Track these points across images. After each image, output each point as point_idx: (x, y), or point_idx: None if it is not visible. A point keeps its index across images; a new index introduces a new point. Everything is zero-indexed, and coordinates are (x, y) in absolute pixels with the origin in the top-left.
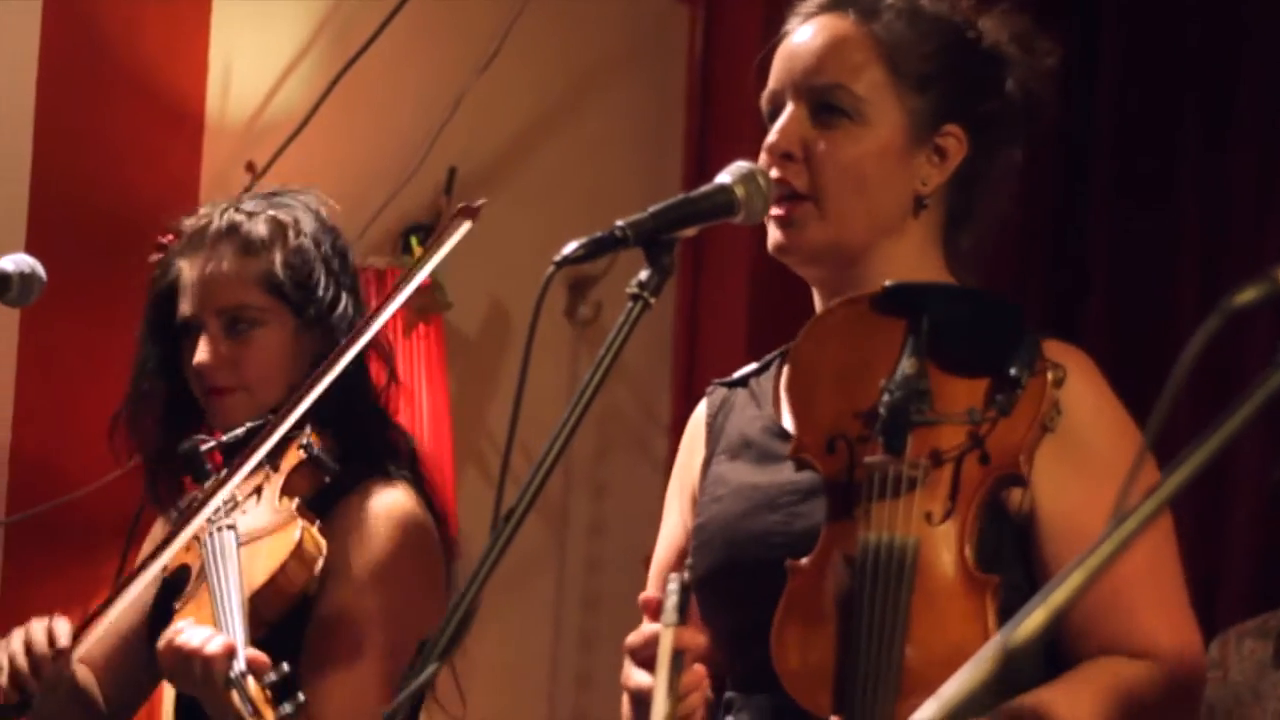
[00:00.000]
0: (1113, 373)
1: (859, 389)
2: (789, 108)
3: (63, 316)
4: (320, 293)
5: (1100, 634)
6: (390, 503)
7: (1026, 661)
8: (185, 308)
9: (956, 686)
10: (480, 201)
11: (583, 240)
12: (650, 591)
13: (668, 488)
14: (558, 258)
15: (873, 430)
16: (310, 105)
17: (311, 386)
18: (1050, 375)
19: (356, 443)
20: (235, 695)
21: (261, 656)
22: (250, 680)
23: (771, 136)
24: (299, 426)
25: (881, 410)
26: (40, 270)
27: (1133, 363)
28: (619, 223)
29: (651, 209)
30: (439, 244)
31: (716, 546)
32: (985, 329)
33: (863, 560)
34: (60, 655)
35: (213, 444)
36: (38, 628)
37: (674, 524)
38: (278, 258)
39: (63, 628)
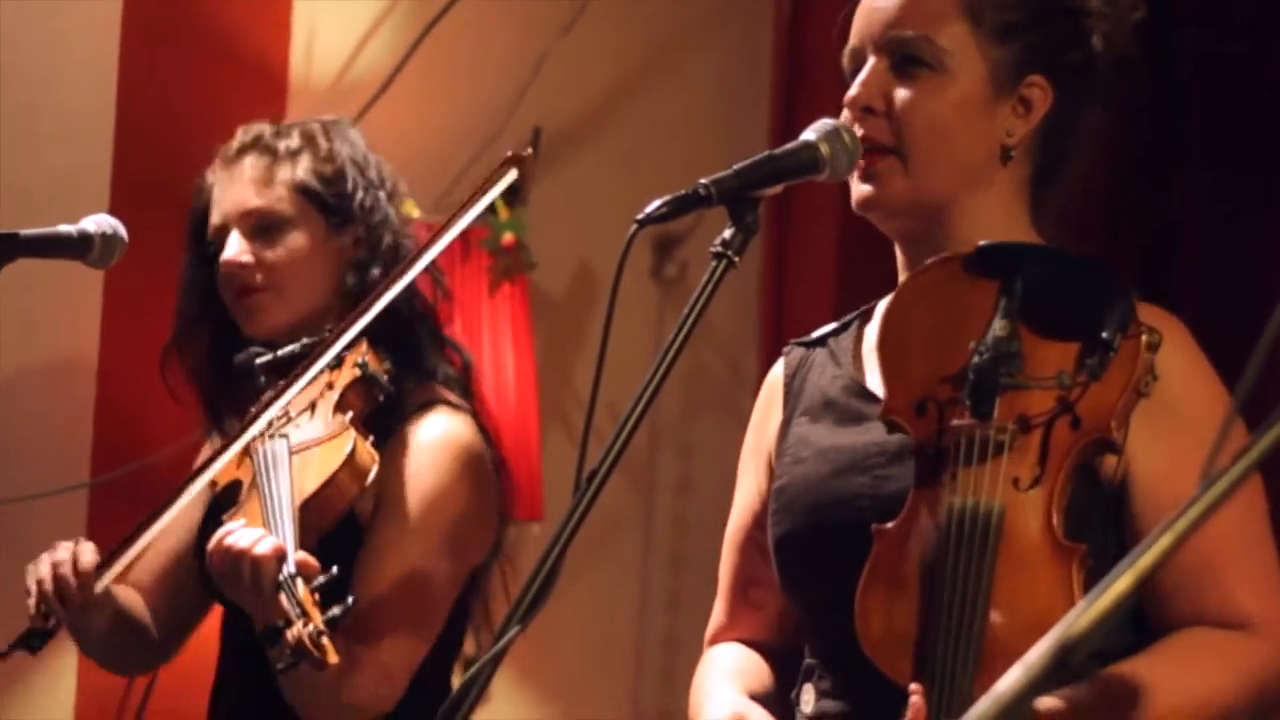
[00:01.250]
0: (1201, 336)
1: (950, 351)
2: (870, 61)
3: (146, 278)
4: (353, 196)
5: (1190, 603)
6: (447, 431)
7: (1114, 627)
8: (214, 218)
9: (1041, 650)
10: (528, 150)
11: (665, 199)
12: (725, 558)
13: (742, 450)
14: (640, 216)
15: (962, 393)
16: (394, 66)
17: (368, 306)
18: (1144, 339)
19: (412, 363)
20: (284, 597)
21: (311, 560)
22: (299, 582)
23: (853, 90)
24: (353, 344)
25: (970, 373)
26: (122, 231)
27: (1221, 326)
28: (702, 181)
29: (735, 167)
30: (488, 186)
31: (799, 509)
32: (1079, 291)
33: (948, 525)
34: (85, 578)
35: (269, 356)
36: (64, 551)
37: (749, 489)
38: (305, 163)
39: (87, 550)
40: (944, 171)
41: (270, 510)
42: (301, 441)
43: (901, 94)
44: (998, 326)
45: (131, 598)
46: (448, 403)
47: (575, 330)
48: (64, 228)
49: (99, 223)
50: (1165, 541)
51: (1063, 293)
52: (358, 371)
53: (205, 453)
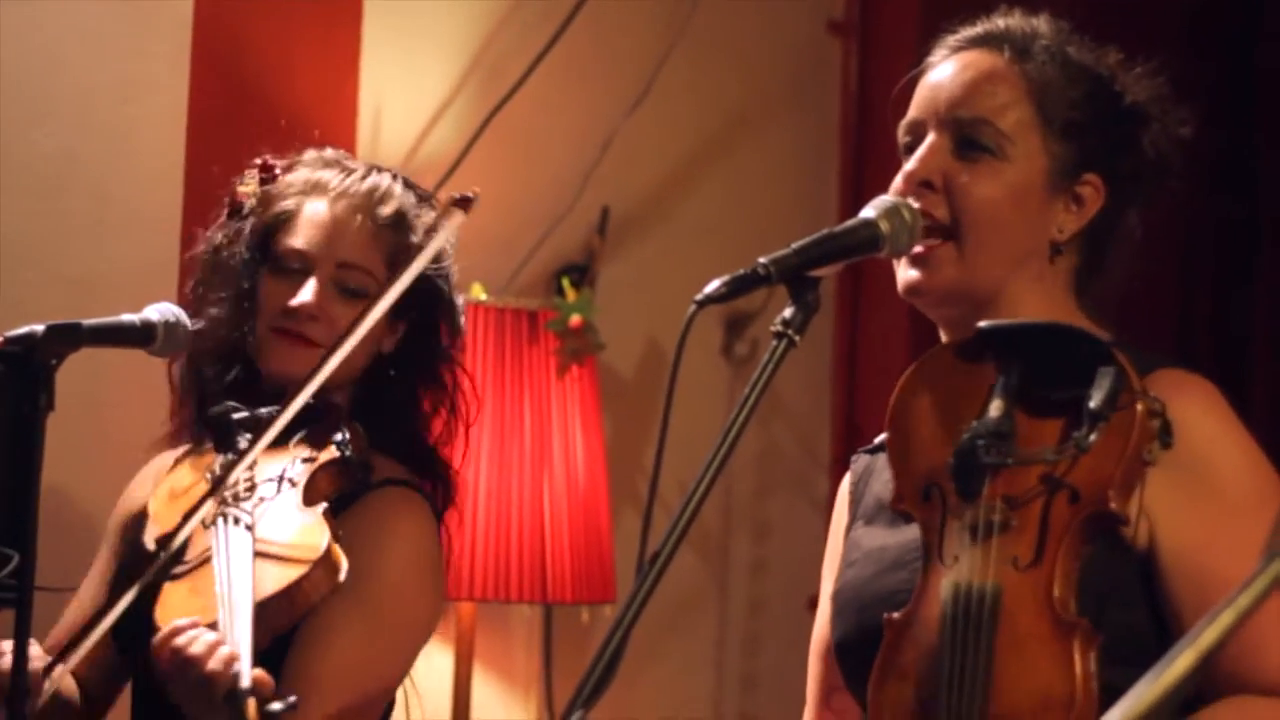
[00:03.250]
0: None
1: (952, 435)
2: (930, 137)
3: None
4: (431, 293)
5: (1233, 671)
6: (409, 514)
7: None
8: (298, 242)
9: None
10: (474, 190)
11: (725, 279)
12: (810, 666)
13: (824, 560)
14: (699, 297)
15: None
16: (461, 147)
17: (320, 367)
18: (1141, 406)
19: (386, 432)
20: (230, 712)
21: (267, 678)
22: (251, 701)
23: (911, 164)
24: (338, 427)
25: (953, 455)
26: (185, 319)
27: None
28: (762, 260)
29: (794, 245)
30: (433, 236)
31: (850, 612)
32: (1071, 366)
33: (946, 608)
34: (32, 679)
35: (245, 414)
36: (7, 655)
37: (827, 598)
38: (408, 240)
39: (35, 653)
40: (995, 259)
41: (225, 603)
42: (269, 539)
43: (960, 174)
44: (993, 408)
45: (66, 682)
46: (409, 483)
47: (645, 410)
48: (127, 317)
49: (162, 311)
50: (1227, 619)
51: (1059, 369)
52: (336, 453)
53: (157, 468)
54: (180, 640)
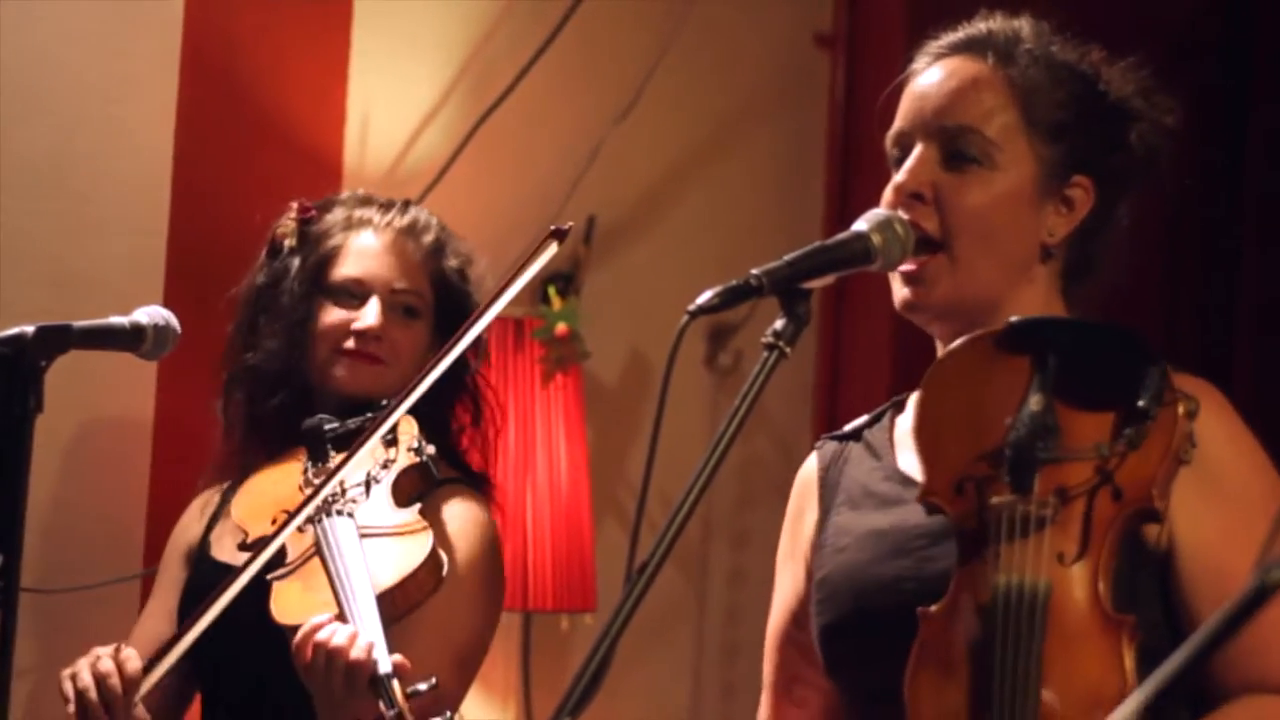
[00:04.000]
0: (1261, 418)
1: (985, 429)
2: (918, 148)
3: (199, 369)
4: (461, 307)
5: (1244, 671)
6: (476, 510)
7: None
8: (354, 271)
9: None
10: (569, 224)
11: (717, 289)
12: (767, 657)
13: (778, 550)
14: (692, 307)
15: (1000, 470)
16: (449, 155)
17: (417, 385)
18: (1181, 406)
19: (443, 440)
20: (380, 700)
21: (405, 662)
22: (396, 684)
23: (900, 176)
24: (410, 433)
25: (1007, 449)
26: (174, 323)
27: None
28: (754, 271)
29: (787, 257)
30: (528, 264)
31: (844, 597)
32: (1111, 361)
33: (994, 604)
34: (131, 686)
35: (336, 425)
36: (107, 661)
37: (786, 589)
38: (449, 264)
39: (132, 658)
40: (988, 270)
41: (346, 596)
42: (369, 526)
43: (949, 185)
44: (1033, 402)
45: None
46: (463, 480)
47: (628, 420)
48: (117, 319)
49: (151, 314)
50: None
51: (1096, 364)
52: (416, 458)
53: (203, 502)
54: (322, 635)
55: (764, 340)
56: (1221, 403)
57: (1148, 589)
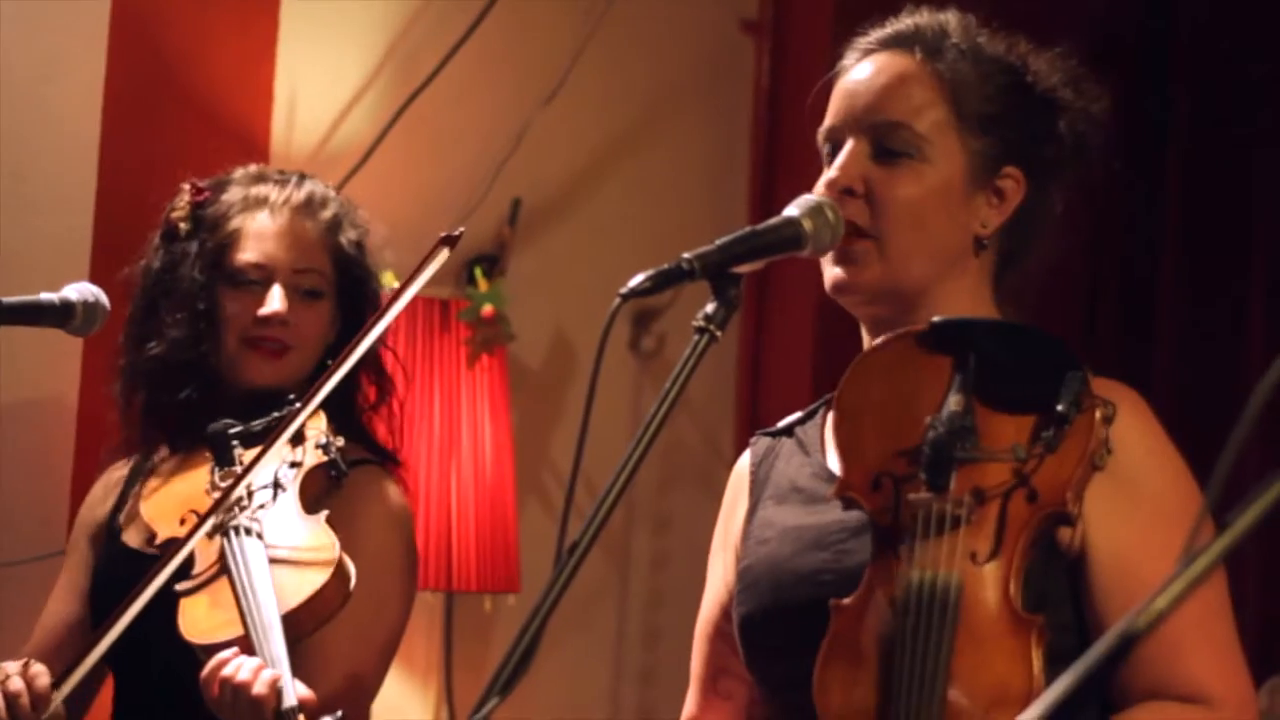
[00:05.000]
0: (1178, 419)
1: (904, 427)
2: (849, 144)
3: None
4: (365, 282)
5: (1151, 677)
6: (387, 495)
7: (1078, 704)
8: (253, 256)
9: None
10: (459, 230)
11: (649, 273)
12: (695, 648)
13: (712, 543)
14: (624, 290)
15: (917, 468)
16: (375, 136)
17: (324, 381)
18: (1099, 412)
19: (353, 430)
20: None
21: (310, 696)
22: (300, 719)
23: (832, 172)
24: (316, 427)
25: (925, 448)
26: (104, 300)
27: (1198, 409)
28: (686, 255)
29: (718, 241)
30: (419, 273)
31: (763, 588)
32: (1032, 364)
33: (905, 599)
34: (41, 701)
35: (240, 429)
36: (16, 678)
37: (716, 580)
38: (347, 238)
39: (41, 674)
40: (919, 259)
41: (252, 618)
42: (276, 546)
43: (880, 179)
44: (952, 401)
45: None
46: (373, 460)
47: (552, 402)
48: (46, 296)
49: (81, 291)
50: (1141, 622)
51: (1016, 366)
52: (323, 456)
53: (108, 479)
54: (227, 670)
55: (695, 324)
56: (1141, 408)
57: (1058, 591)
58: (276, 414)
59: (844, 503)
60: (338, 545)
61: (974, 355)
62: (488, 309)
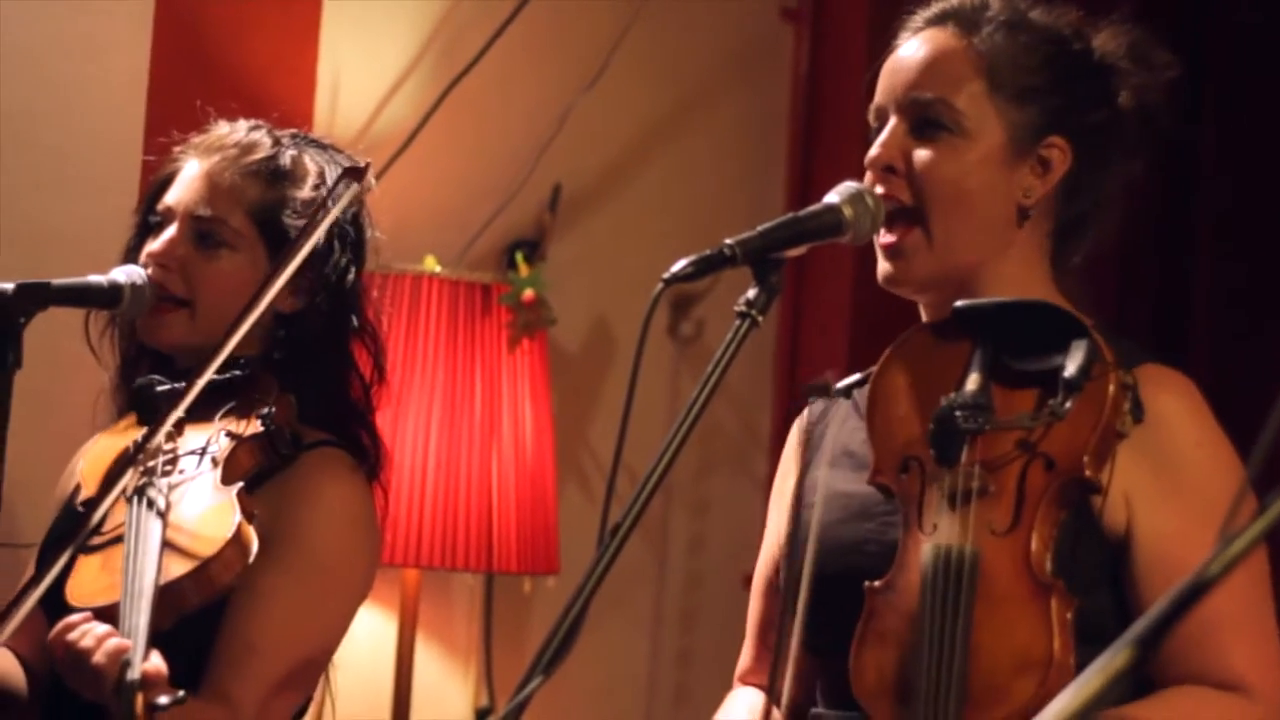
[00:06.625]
0: (1213, 400)
1: (928, 410)
2: (891, 121)
3: None
4: (328, 255)
5: (1188, 664)
6: (340, 481)
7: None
8: (168, 199)
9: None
10: (366, 161)
11: (691, 258)
12: (751, 602)
13: (769, 501)
14: (666, 275)
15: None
16: (418, 120)
17: (223, 345)
18: (1113, 379)
19: (313, 399)
20: (120, 703)
21: (157, 670)
22: (139, 697)
23: (874, 150)
24: (266, 400)
25: (931, 424)
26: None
27: (1234, 390)
28: (728, 241)
29: (760, 228)
30: (330, 207)
31: (809, 554)
32: (1042, 337)
33: (926, 574)
34: None
35: (168, 387)
36: None
37: (772, 535)
38: (286, 195)
39: None
40: (964, 235)
41: (129, 591)
42: (182, 514)
43: (920, 155)
44: (970, 381)
45: (5, 658)
46: (334, 443)
47: (592, 386)
48: (95, 278)
49: (129, 273)
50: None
51: (1029, 342)
52: (260, 427)
53: (92, 441)
54: (72, 635)
55: (736, 309)
56: (1191, 395)
57: (1097, 573)
58: (218, 376)
59: (878, 489)
60: (236, 520)
61: (991, 336)
62: (528, 294)
